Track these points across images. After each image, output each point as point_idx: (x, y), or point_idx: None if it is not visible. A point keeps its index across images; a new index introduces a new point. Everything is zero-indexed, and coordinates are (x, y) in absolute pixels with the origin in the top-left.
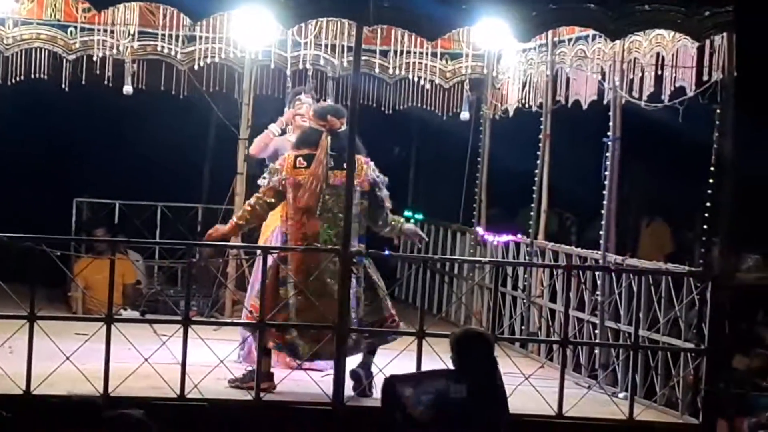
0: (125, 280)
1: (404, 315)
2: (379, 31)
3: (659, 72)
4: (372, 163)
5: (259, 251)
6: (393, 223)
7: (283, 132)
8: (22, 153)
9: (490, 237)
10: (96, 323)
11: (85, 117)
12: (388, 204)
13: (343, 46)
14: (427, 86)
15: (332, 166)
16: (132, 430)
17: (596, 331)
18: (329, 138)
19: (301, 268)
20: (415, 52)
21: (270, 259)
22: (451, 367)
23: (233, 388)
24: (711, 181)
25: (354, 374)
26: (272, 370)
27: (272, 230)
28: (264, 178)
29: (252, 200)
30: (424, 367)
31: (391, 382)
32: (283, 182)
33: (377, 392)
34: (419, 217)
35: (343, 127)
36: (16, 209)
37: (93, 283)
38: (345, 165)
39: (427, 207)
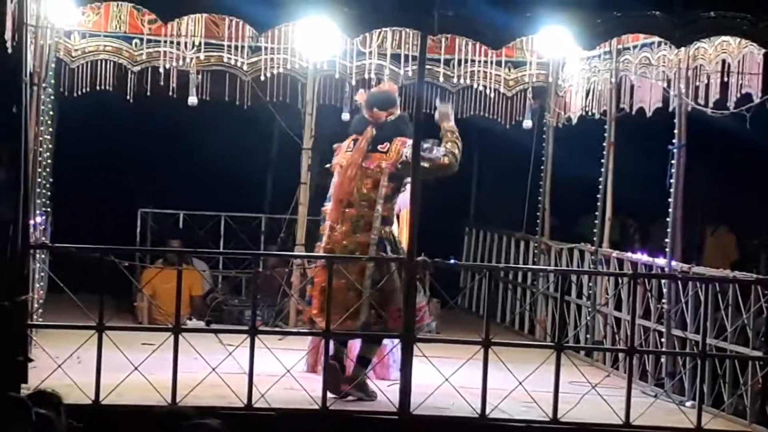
0: (193, 292)
1: (467, 323)
2: (442, 40)
3: (725, 79)
4: (409, 142)
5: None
6: (443, 147)
7: None
8: (88, 164)
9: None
10: (161, 333)
11: (149, 128)
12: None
13: (406, 56)
14: (491, 95)
15: (370, 149)
16: None
17: (662, 340)
18: (374, 130)
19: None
20: (478, 61)
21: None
22: None
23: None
24: None
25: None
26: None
27: None
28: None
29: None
30: (491, 376)
31: None
32: (335, 166)
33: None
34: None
35: (391, 117)
36: (82, 220)
37: (161, 293)
38: (379, 147)
39: (490, 215)
